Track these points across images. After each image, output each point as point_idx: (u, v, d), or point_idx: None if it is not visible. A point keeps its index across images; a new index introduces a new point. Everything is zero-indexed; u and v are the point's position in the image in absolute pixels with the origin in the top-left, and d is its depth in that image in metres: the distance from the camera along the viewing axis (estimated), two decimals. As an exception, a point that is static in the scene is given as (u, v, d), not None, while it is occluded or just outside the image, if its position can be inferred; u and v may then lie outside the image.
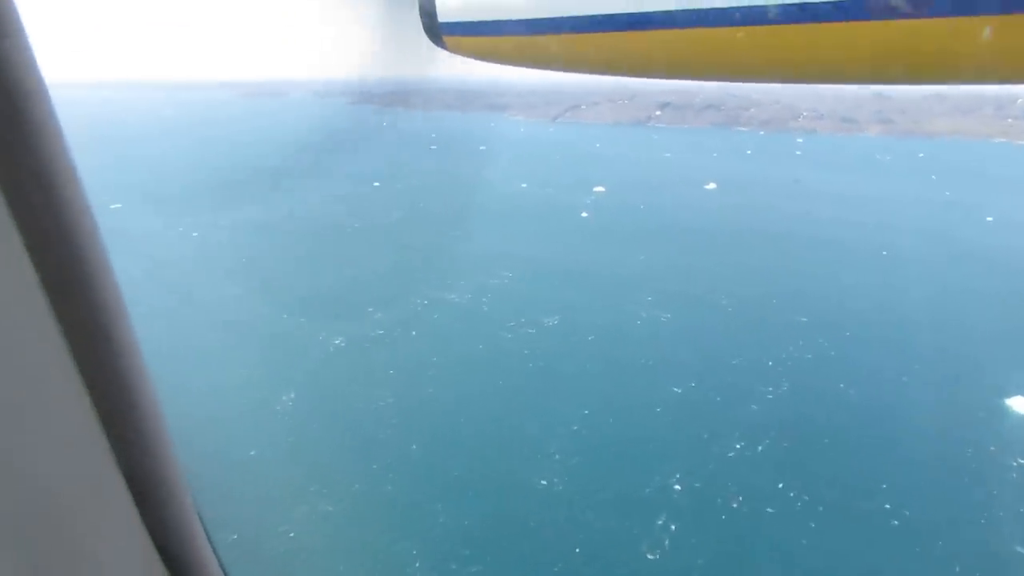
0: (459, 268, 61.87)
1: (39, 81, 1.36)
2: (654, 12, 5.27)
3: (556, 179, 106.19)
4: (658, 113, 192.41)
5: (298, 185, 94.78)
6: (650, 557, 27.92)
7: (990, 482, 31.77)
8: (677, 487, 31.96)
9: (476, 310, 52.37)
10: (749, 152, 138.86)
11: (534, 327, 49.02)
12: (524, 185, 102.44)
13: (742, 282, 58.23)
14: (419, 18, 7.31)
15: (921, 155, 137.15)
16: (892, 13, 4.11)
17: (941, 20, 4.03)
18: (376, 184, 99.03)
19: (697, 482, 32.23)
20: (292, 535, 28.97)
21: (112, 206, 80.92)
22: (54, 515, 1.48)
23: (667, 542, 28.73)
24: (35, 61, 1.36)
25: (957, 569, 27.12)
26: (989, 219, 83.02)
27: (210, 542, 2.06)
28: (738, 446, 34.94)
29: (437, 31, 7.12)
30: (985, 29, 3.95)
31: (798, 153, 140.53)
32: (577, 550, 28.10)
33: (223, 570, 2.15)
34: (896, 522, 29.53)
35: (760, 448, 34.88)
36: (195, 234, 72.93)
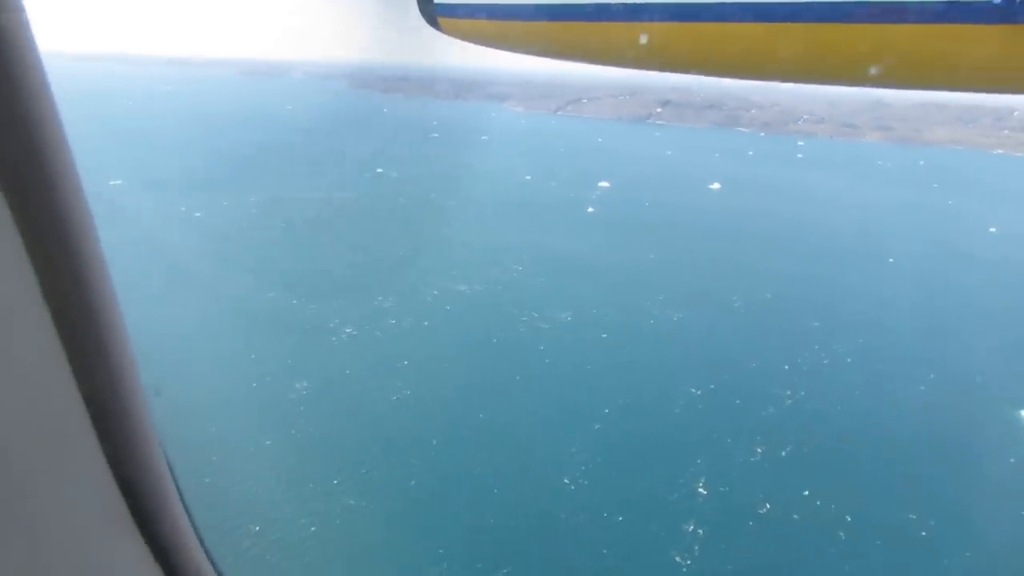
0: (468, 259, 61.25)
1: (36, 57, 1.34)
2: (654, 3, 5.32)
3: (560, 172, 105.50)
4: (659, 110, 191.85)
5: (300, 170, 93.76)
6: (678, 560, 27.61)
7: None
8: (702, 490, 31.64)
9: (488, 302, 51.73)
10: (751, 153, 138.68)
11: (548, 322, 48.48)
12: (528, 177, 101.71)
13: (752, 285, 57.87)
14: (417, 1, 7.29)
15: (922, 163, 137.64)
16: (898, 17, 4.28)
17: (937, 26, 4.22)
18: (379, 171, 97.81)
19: (721, 485, 31.95)
20: (313, 529, 28.42)
21: (112, 182, 79.74)
22: (41, 514, 1.49)
23: (689, 545, 28.45)
24: (33, 38, 1.35)
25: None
26: (992, 230, 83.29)
27: (200, 540, 2.03)
28: (760, 450, 34.65)
29: (433, 12, 7.20)
30: (978, 38, 4.13)
31: (800, 156, 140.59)
32: (604, 551, 27.76)
33: (214, 567, 2.11)
34: (923, 533, 29.37)
35: (779, 452, 34.63)
36: (197, 214, 71.77)
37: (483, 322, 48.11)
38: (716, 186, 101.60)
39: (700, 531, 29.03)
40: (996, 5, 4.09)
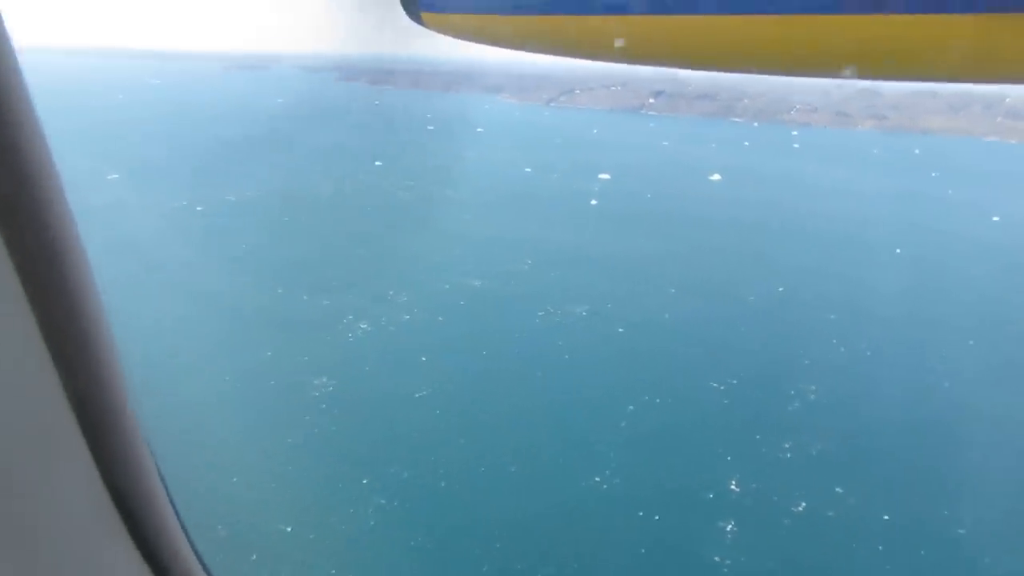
0: (477, 252, 60.69)
1: (10, 55, 1.31)
2: None
3: (559, 164, 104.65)
4: (652, 101, 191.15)
5: (299, 163, 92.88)
6: (717, 560, 27.26)
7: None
8: (734, 487, 31.29)
9: (502, 296, 51.19)
10: (747, 144, 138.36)
11: (564, 316, 47.99)
12: (528, 169, 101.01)
13: (763, 277, 57.64)
14: None
15: (917, 151, 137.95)
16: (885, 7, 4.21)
17: (921, 16, 4.14)
18: (378, 163, 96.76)
19: (753, 482, 31.60)
20: (344, 528, 27.85)
21: (109, 176, 78.60)
22: (30, 517, 1.51)
23: (727, 543, 28.11)
24: (7, 36, 1.32)
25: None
26: (995, 218, 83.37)
27: (190, 542, 2.05)
28: (788, 445, 34.34)
29: (416, 7, 7.07)
30: (963, 27, 4.04)
31: (796, 146, 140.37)
32: (641, 550, 27.36)
33: (204, 568, 2.12)
34: (961, 531, 29.16)
35: (808, 448, 34.32)
36: (199, 208, 70.71)
37: (498, 317, 47.58)
38: (716, 177, 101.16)
39: (737, 529, 28.69)
40: None
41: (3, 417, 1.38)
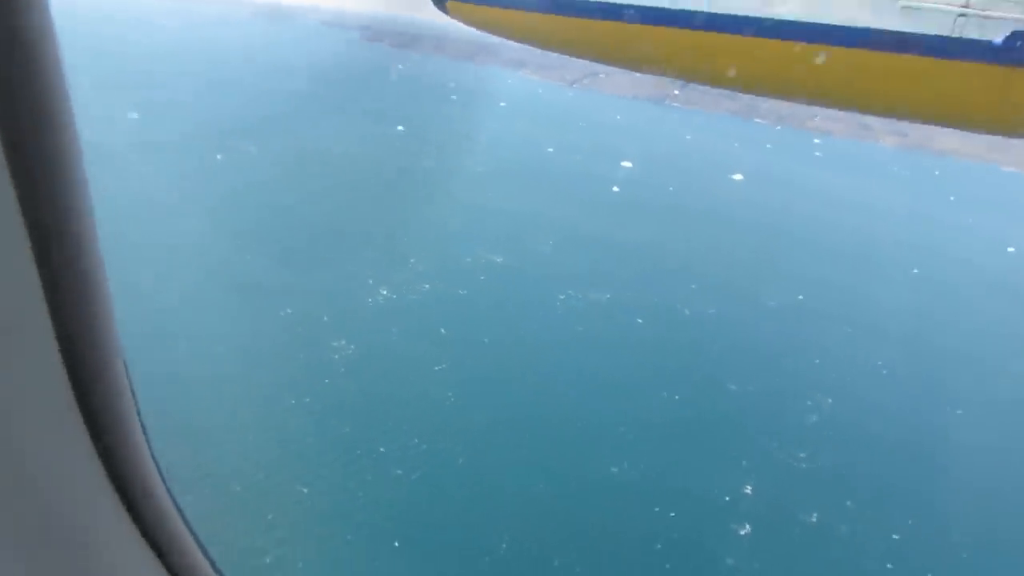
0: (498, 227, 60.22)
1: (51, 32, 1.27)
2: (664, 10, 5.32)
3: (581, 147, 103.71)
4: (676, 93, 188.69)
5: (321, 121, 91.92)
6: (730, 563, 27.30)
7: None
8: (748, 492, 31.27)
9: (523, 276, 50.81)
10: (769, 147, 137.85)
11: (585, 302, 47.71)
12: (550, 149, 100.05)
13: (782, 284, 57.26)
14: None
15: (937, 173, 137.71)
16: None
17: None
18: (400, 128, 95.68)
19: (768, 489, 31.58)
20: (361, 494, 27.74)
21: (130, 115, 77.71)
22: (34, 511, 1.51)
23: (741, 547, 28.15)
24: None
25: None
26: (1011, 249, 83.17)
27: (190, 528, 2.07)
28: (803, 455, 34.30)
29: None
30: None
31: (818, 155, 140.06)
32: (657, 546, 27.38)
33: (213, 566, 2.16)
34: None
35: (823, 460, 34.29)
36: (219, 156, 69.88)
37: (519, 296, 47.29)
38: (738, 177, 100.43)
39: (751, 533, 28.69)
40: (996, 46, 3.81)
41: (10, 410, 1.38)
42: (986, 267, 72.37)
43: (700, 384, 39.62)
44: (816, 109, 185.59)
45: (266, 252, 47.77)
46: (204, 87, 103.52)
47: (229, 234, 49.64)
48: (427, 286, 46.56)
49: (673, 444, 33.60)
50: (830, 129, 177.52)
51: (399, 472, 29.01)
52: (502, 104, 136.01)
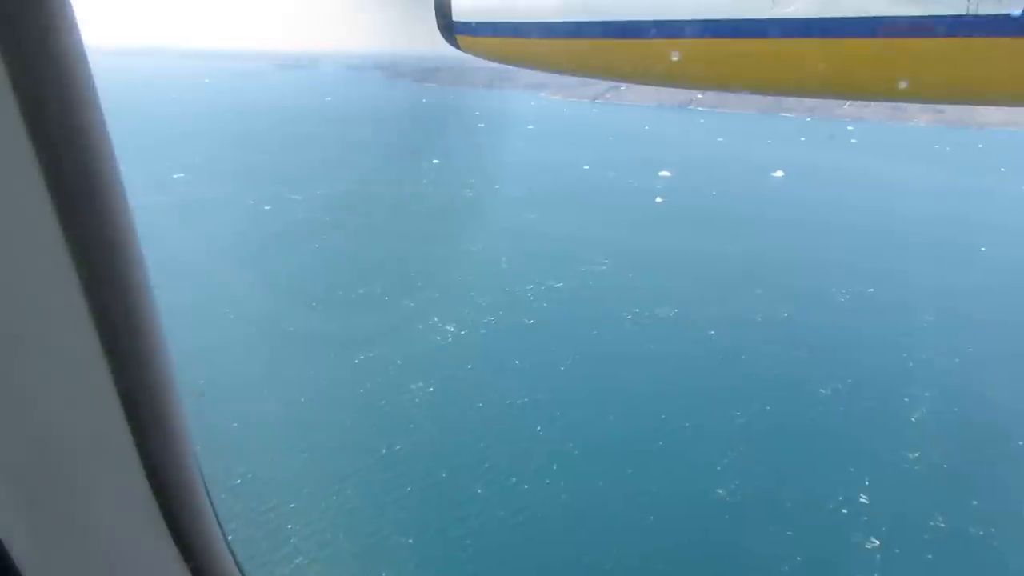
0: (551, 252, 59.79)
1: (83, 58, 1.33)
2: (672, 21, 5.37)
3: (616, 161, 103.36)
4: (699, 96, 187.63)
5: (359, 162, 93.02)
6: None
7: None
8: (864, 500, 29.86)
9: (586, 298, 50.13)
10: (803, 139, 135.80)
11: (652, 319, 46.76)
12: (586, 167, 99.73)
13: (848, 278, 55.61)
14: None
15: (980, 146, 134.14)
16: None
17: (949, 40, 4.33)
18: (435, 161, 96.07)
19: (883, 495, 30.13)
20: (469, 542, 27.07)
21: (175, 175, 79.38)
22: (77, 514, 1.59)
23: (869, 561, 26.76)
24: (79, 34, 1.33)
25: None
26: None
27: (229, 547, 2.12)
28: (913, 456, 32.74)
29: (452, 30, 7.33)
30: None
31: (853, 141, 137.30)
32: (784, 568, 26.14)
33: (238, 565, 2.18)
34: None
35: (935, 458, 32.68)
36: (267, 208, 70.80)
37: (587, 320, 46.50)
38: (779, 174, 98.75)
39: (877, 545, 27.28)
40: (1015, 18, 4.12)
41: (54, 415, 1.45)
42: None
43: (788, 391, 38.28)
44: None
45: (327, 299, 47.83)
46: (244, 140, 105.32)
47: (288, 284, 49.80)
48: (492, 319, 46.13)
49: (777, 456, 32.39)
50: (861, 115, 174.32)
51: (502, 514, 28.30)
52: (530, 127, 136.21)
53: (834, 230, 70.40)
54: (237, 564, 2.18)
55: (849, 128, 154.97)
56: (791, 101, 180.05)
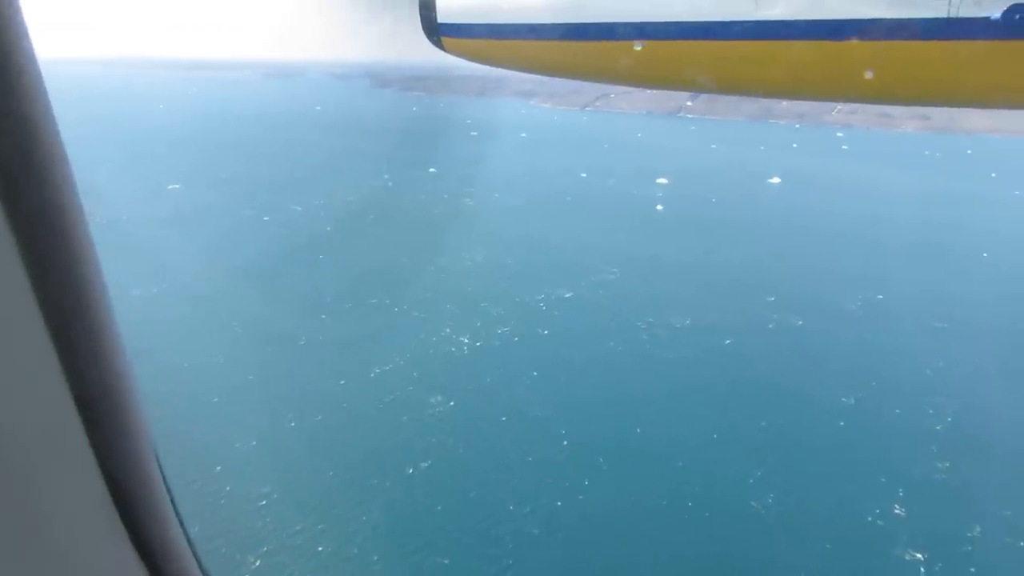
0: (558, 261, 59.29)
1: (29, 47, 1.33)
2: (657, 23, 5.44)
3: (613, 169, 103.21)
4: (689, 104, 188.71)
5: (353, 171, 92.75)
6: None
7: None
8: (899, 512, 29.42)
9: (598, 308, 49.53)
10: (795, 146, 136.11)
11: (667, 328, 46.28)
12: (583, 175, 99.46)
13: (857, 285, 55.44)
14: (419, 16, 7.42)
15: (969, 152, 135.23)
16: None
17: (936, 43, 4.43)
18: (432, 170, 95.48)
19: (917, 506, 29.73)
20: (510, 562, 26.31)
21: (170, 186, 78.27)
22: (30, 515, 1.55)
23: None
24: (27, 34, 1.33)
25: None
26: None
27: (192, 547, 2.08)
28: (942, 466, 32.39)
29: (436, 32, 7.29)
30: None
31: (845, 148, 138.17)
32: None
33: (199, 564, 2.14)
34: None
35: (964, 467, 32.34)
36: (265, 218, 69.79)
37: (601, 329, 45.91)
38: (776, 180, 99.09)
39: (919, 558, 26.84)
40: (995, 21, 4.18)
41: (6, 414, 1.43)
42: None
43: (811, 400, 37.89)
44: (833, 103, 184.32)
45: (337, 311, 46.97)
46: (237, 150, 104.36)
47: (296, 297, 48.89)
48: (506, 329, 45.46)
49: (807, 466, 31.92)
50: (850, 121, 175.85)
51: (535, 532, 27.58)
52: (523, 135, 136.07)
53: (836, 237, 70.37)
54: (199, 564, 2.10)
55: (839, 134, 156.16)
56: (780, 108, 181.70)
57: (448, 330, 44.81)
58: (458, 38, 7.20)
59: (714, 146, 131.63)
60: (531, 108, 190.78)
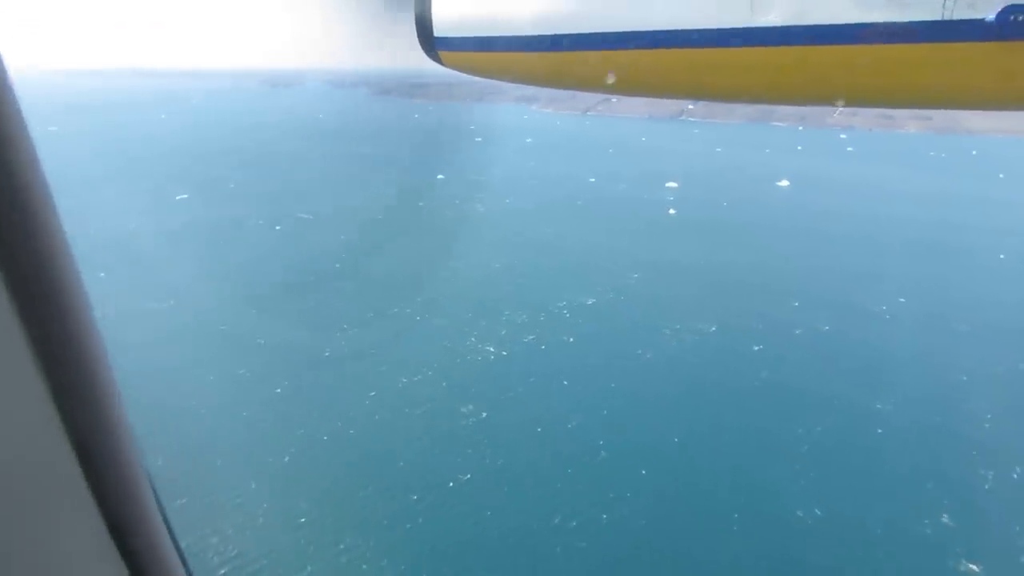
0: (576, 266, 58.79)
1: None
2: (652, 32, 5.47)
3: (621, 173, 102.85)
4: (691, 107, 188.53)
5: (360, 179, 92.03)
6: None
7: None
8: (947, 522, 28.85)
9: (623, 314, 48.94)
10: (800, 148, 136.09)
11: (694, 334, 45.71)
12: (592, 179, 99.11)
13: (881, 288, 55.00)
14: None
15: (974, 152, 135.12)
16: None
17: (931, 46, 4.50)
18: (440, 177, 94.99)
19: (968, 514, 29.17)
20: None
21: (178, 196, 77.70)
22: (27, 552, 1.53)
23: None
24: None
25: None
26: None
27: (171, 533, 2.01)
28: (991, 474, 31.82)
29: (433, 46, 7.33)
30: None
31: (850, 149, 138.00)
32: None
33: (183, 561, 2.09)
34: None
35: (1012, 475, 31.82)
36: (278, 228, 69.18)
37: (627, 335, 45.32)
38: (785, 183, 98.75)
39: (975, 570, 26.26)
40: (989, 23, 4.21)
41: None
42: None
43: (846, 406, 37.30)
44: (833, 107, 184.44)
45: (358, 320, 46.35)
46: (243, 159, 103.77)
47: (316, 307, 48.31)
48: (532, 337, 44.87)
49: (850, 475, 31.31)
50: (852, 123, 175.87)
51: (583, 545, 26.95)
52: (528, 140, 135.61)
53: (852, 239, 69.93)
54: (188, 572, 2.04)
55: (842, 136, 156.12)
56: (782, 111, 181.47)
57: (473, 339, 44.21)
58: (455, 51, 7.22)
59: (719, 149, 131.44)
60: (533, 113, 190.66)
